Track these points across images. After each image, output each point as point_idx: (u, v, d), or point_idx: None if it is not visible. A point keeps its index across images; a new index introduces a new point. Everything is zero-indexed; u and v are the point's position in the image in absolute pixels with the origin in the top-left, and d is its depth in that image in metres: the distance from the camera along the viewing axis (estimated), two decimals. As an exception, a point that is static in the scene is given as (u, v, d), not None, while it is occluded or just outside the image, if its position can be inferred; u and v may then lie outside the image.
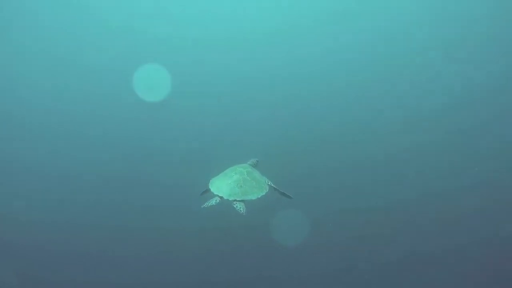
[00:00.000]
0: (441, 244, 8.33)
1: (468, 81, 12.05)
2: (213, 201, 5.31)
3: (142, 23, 14.38)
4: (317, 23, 13.89)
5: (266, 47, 14.78)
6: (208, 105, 14.19)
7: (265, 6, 15.38)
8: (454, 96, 11.91)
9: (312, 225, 8.36)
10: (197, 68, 14.74)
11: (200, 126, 13.50)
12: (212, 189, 5.45)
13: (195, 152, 12.06)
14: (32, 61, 12.94)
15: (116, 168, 11.61)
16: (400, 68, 12.96)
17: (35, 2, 12.88)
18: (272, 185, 5.70)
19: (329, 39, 14.50)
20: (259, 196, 5.35)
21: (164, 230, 9.04)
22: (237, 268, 8.23)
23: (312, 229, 8.30)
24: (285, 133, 12.73)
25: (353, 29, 13.73)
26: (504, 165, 9.90)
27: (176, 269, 8.38)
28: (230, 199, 5.28)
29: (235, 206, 5.22)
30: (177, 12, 14.81)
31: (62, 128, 12.74)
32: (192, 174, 7.03)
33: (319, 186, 10.02)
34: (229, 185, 5.43)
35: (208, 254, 8.40)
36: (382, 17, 13.32)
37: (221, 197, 5.37)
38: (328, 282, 8.18)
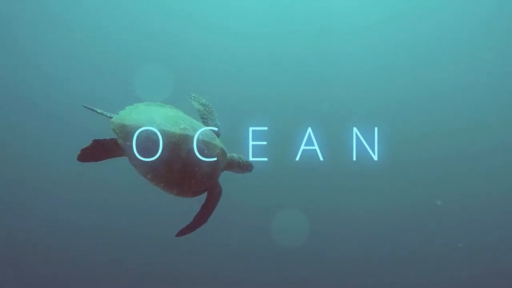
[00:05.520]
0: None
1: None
2: (98, 110, 2.86)
3: (141, 20, 14.18)
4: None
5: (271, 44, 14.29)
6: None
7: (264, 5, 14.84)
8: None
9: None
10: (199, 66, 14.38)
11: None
12: (120, 114, 2.87)
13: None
14: (29, 60, 12.86)
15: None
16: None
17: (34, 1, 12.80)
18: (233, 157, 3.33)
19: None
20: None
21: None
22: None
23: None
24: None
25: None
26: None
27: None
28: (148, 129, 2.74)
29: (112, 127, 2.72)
30: (178, 8, 14.54)
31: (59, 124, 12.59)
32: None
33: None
34: (159, 113, 2.95)
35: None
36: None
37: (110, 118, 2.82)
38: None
